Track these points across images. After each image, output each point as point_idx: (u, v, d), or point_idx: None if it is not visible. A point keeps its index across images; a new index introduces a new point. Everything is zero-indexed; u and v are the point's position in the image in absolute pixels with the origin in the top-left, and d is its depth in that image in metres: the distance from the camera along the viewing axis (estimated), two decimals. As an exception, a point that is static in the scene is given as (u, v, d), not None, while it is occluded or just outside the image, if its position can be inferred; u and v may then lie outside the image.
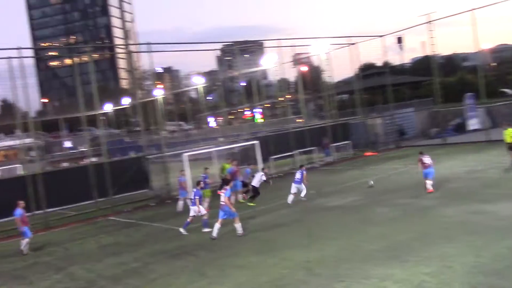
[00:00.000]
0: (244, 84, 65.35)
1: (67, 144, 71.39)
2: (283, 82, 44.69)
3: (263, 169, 24.80)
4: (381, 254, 11.71)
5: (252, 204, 21.81)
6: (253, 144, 30.63)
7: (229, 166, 24.24)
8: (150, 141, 64.47)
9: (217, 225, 15.87)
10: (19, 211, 17.85)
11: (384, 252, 11.84)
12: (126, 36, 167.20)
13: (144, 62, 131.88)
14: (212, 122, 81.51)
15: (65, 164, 57.91)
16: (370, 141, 39.85)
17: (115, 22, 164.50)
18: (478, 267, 9.96)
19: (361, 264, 11.18)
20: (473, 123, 40.09)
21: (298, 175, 21.29)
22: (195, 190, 18.04)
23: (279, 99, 50.69)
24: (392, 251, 11.83)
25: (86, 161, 37.33)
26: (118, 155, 62.13)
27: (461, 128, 40.20)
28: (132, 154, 50.34)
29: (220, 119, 78.05)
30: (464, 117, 41.02)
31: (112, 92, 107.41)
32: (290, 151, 33.24)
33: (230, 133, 48.97)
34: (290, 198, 20.77)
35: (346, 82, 74.99)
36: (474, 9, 33.77)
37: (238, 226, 15.90)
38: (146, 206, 26.06)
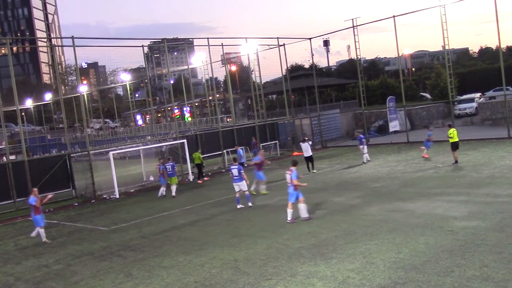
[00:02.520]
0: (173, 82, 64.55)
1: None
2: (212, 81, 44.57)
3: (305, 140, 27.87)
4: (307, 251, 11.99)
5: (315, 170, 26.07)
6: (181, 142, 30.51)
7: (199, 154, 28.29)
8: (74, 138, 62.43)
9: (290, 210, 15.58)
10: (34, 198, 16.89)
11: (310, 249, 12.13)
12: (48, 28, 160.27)
13: (68, 56, 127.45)
14: (139, 120, 79.92)
15: (-20, 162, 54.70)
16: (297, 141, 40.63)
17: (37, 13, 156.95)
18: (398, 262, 10.43)
19: (288, 262, 11.39)
20: (394, 125, 41.94)
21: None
22: (237, 166, 19.17)
23: (209, 98, 50.51)
24: (318, 248, 12.14)
25: (3, 159, 35.42)
26: (39, 153, 59.54)
27: (383, 130, 41.93)
28: (55, 152, 48.36)
29: (148, 117, 76.67)
30: (386, 119, 42.80)
31: (33, 87, 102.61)
32: (219, 150, 33.31)
33: (158, 131, 48.24)
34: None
35: (274, 83, 76.11)
36: (395, 16, 35.40)
37: (302, 207, 15.46)
38: (69, 206, 25.15)
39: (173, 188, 24.07)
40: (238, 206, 18.82)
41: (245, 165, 28.11)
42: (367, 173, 23.64)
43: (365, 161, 27.18)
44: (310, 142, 27.68)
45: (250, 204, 18.80)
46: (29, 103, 70.99)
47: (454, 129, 23.79)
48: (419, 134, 38.67)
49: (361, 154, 27.61)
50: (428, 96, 60.35)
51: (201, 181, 28.25)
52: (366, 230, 13.30)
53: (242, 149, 29.99)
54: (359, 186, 20.62)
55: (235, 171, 18.91)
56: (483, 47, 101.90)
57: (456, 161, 23.01)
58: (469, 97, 47.79)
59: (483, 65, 70.89)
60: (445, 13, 32.86)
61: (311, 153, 26.86)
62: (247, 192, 19.03)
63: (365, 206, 16.45)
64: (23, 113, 70.85)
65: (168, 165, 24.34)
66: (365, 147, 27.50)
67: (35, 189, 17.67)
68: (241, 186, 18.89)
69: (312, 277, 10.20)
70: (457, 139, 23.29)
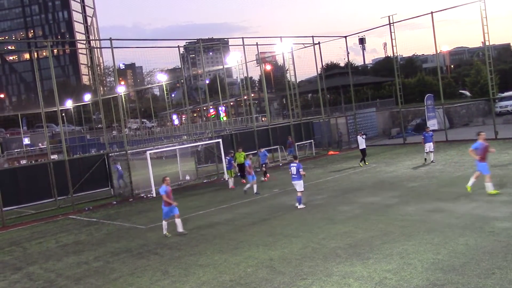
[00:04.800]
0: (208, 82, 65.06)
1: (26, 141, 69.44)
2: (247, 81, 44.69)
3: (362, 134, 29.39)
4: (343, 251, 11.88)
5: (367, 163, 27.60)
6: (217, 142, 30.70)
7: (240, 154, 28.19)
8: (112, 138, 63.67)
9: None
10: (164, 188, 16.20)
11: (346, 249, 12.02)
12: (87, 31, 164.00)
13: (106, 58, 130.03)
14: (175, 119, 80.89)
15: (23, 162, 56.52)
16: (333, 140, 40.34)
17: (76, 16, 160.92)
18: (437, 263, 10.23)
19: (323, 261, 11.32)
20: (432, 124, 41.10)
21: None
22: (296, 163, 18.15)
23: (244, 97, 50.67)
24: (354, 248, 12.02)
25: (45, 159, 36.51)
26: (79, 152, 61.03)
27: (420, 128, 41.11)
28: (94, 152, 49.46)
29: (184, 117, 77.53)
30: (424, 118, 42.00)
31: (73, 88, 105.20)
32: (254, 149, 33.36)
33: (194, 131, 48.73)
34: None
35: (309, 82, 75.75)
36: (433, 12, 34.66)
37: (488, 185, 16.38)
38: (108, 205, 25.67)
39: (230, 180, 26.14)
40: (299, 206, 18.05)
41: (265, 166, 28.35)
42: (404, 173, 23.27)
43: (432, 160, 25.42)
44: (365, 136, 28.96)
45: (297, 205, 18.22)
46: (69, 104, 72.85)
47: None
48: (458, 133, 37.87)
49: (428, 152, 25.58)
50: (468, 93, 58.92)
51: (244, 181, 27.91)
52: (403, 231, 13.09)
53: (266, 150, 30.08)
54: (396, 185, 20.32)
55: (293, 169, 18.01)
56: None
57: None
58: (510, 94, 46.43)
59: (525, 61, 68.70)
60: (485, 8, 32.05)
61: (364, 146, 28.02)
62: (299, 194, 18.14)
63: (402, 206, 16.20)
64: (63, 114, 72.73)
65: (226, 158, 25.26)
66: (432, 145, 25.63)
67: (167, 178, 16.53)
68: (297, 186, 18.07)
69: (348, 277, 10.11)
70: None
